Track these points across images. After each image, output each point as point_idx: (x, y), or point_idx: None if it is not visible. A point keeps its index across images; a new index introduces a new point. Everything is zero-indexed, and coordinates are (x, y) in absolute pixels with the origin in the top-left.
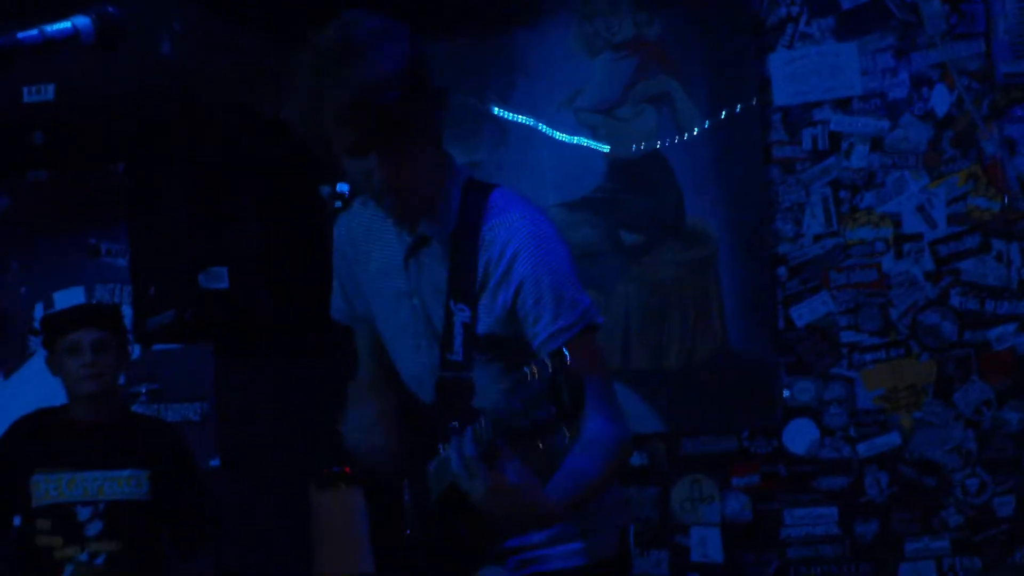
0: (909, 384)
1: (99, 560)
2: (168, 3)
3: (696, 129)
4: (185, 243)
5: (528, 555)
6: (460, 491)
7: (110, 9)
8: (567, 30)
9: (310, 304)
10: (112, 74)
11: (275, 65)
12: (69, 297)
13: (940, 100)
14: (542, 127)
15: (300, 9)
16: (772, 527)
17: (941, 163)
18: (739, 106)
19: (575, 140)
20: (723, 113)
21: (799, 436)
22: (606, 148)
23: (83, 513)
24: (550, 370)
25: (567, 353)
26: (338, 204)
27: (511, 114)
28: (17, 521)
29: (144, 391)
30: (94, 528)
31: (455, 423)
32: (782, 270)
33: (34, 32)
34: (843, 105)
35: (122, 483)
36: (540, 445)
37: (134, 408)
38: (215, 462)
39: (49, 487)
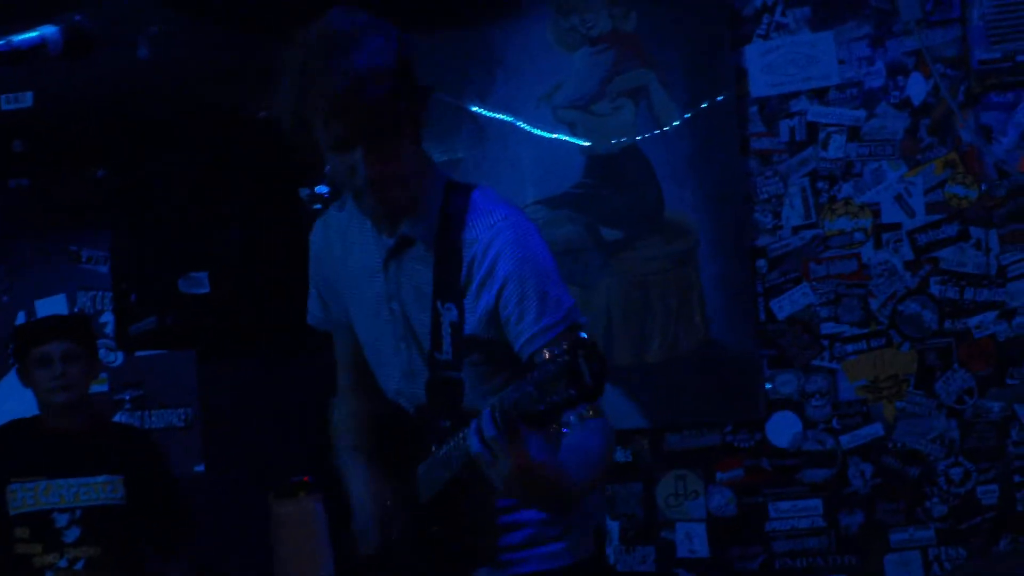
0: (891, 374)
1: (78, 565)
2: (145, 6)
3: (674, 122)
4: (166, 249)
5: (507, 556)
6: (456, 489)
7: (77, 18)
8: (544, 25)
9: (292, 308)
10: (90, 79)
11: (256, 66)
12: (50, 305)
13: (916, 88)
14: (521, 124)
15: (281, 9)
16: (757, 521)
17: (918, 151)
18: (717, 98)
19: (554, 136)
20: (701, 105)
21: (782, 429)
22: (585, 143)
23: (61, 520)
24: (566, 355)
25: (584, 336)
26: (317, 206)
27: (490, 112)
28: None
29: (128, 398)
30: (72, 534)
31: (447, 423)
32: (762, 262)
33: (1, 42)
34: (820, 95)
35: (98, 489)
36: (554, 428)
37: (119, 415)
38: (200, 467)
39: (26, 496)
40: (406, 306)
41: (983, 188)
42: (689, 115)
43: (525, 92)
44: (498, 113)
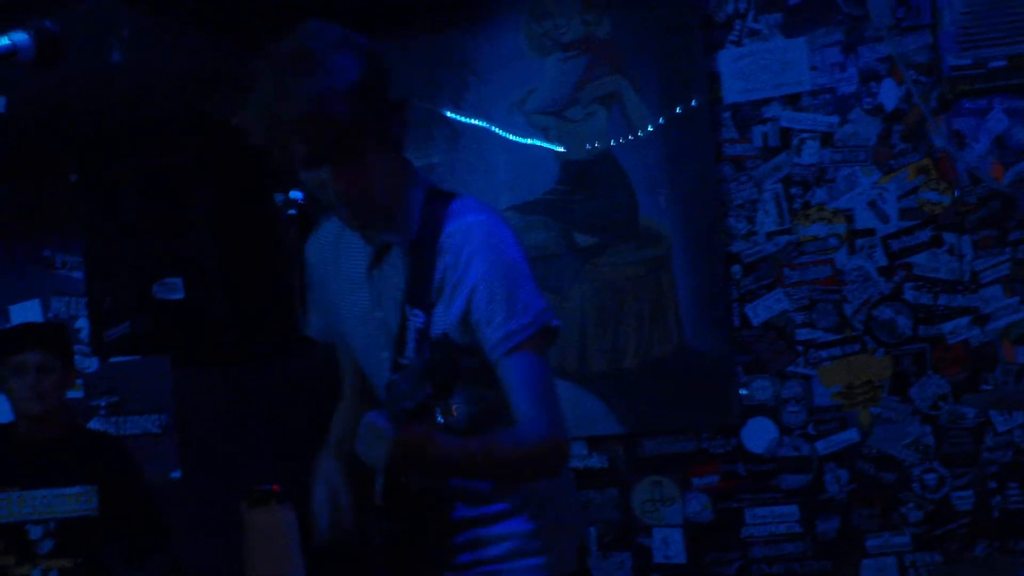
0: (866, 380)
1: None
2: (116, 10)
3: (647, 128)
4: (140, 254)
5: (488, 568)
6: (404, 491)
7: (48, 24)
8: (517, 31)
9: (267, 313)
10: (62, 83)
11: (229, 70)
12: (25, 310)
13: (888, 94)
14: (495, 129)
15: (254, 12)
16: (734, 526)
17: (891, 157)
18: (690, 103)
19: (528, 142)
20: (674, 111)
21: (758, 435)
22: (559, 149)
23: (35, 532)
24: (431, 355)
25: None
26: (292, 211)
27: (463, 117)
28: None
29: (103, 404)
30: (46, 546)
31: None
32: (736, 268)
33: None
34: (792, 101)
35: (72, 500)
36: (440, 422)
37: (94, 421)
38: (176, 473)
39: None
40: (387, 315)
41: (956, 194)
42: (663, 121)
43: (498, 97)
44: (472, 118)
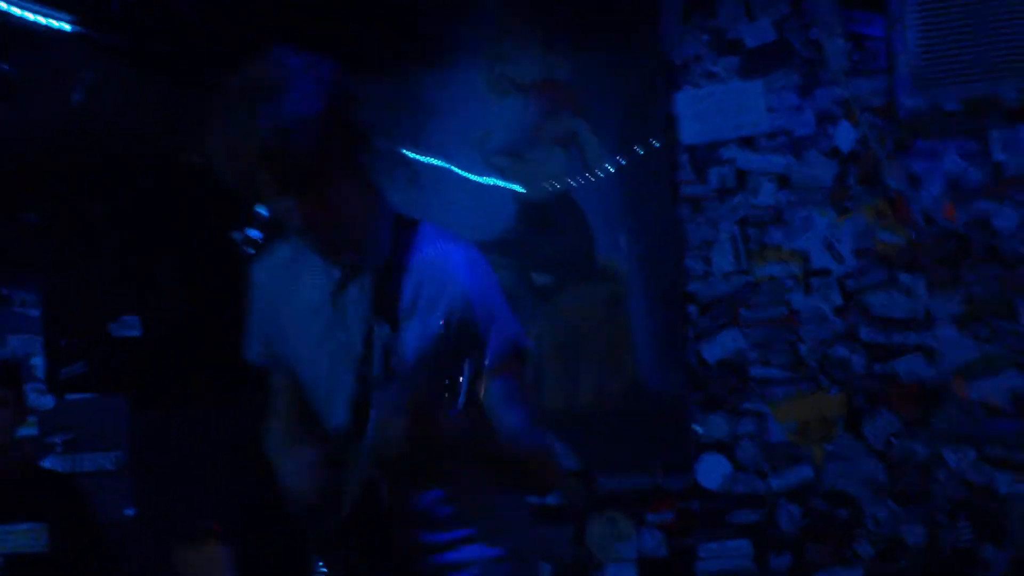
0: (820, 417)
1: None
2: (79, 52)
3: (605, 169)
4: (98, 293)
5: None
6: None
7: (5, 67)
8: (476, 72)
9: (224, 353)
10: (22, 123)
11: (190, 112)
12: None
13: (844, 137)
14: (453, 168)
15: (216, 56)
16: (687, 562)
17: (847, 199)
18: (648, 144)
19: (486, 181)
20: (632, 152)
21: (712, 471)
22: (518, 189)
23: None
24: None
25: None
26: (251, 251)
27: (422, 156)
28: None
29: (59, 441)
30: None
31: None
32: (692, 308)
33: None
34: (749, 143)
35: (21, 536)
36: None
37: (49, 459)
38: (130, 511)
39: None
40: (351, 336)
41: (912, 235)
42: (622, 162)
43: (456, 137)
44: (430, 158)
